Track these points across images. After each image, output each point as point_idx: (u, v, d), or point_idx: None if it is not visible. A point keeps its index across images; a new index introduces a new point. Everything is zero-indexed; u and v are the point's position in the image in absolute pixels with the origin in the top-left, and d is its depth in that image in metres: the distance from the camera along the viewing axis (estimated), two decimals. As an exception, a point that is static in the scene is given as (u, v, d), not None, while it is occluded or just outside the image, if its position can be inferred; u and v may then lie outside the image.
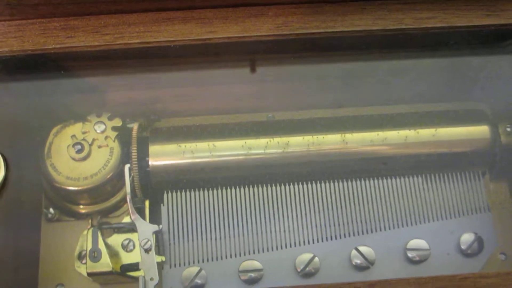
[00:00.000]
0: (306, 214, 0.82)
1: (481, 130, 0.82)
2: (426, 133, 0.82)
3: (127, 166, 0.81)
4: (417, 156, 0.82)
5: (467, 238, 0.80)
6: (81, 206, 0.85)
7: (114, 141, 0.83)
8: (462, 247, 0.80)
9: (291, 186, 0.83)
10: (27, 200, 0.86)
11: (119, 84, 0.89)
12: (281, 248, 0.81)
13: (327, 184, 0.83)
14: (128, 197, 0.80)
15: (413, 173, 0.83)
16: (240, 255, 0.80)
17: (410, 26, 0.77)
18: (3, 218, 0.80)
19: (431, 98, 0.88)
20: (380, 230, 0.81)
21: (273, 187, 0.82)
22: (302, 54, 0.85)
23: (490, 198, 0.85)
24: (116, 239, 0.83)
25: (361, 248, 0.80)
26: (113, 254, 0.81)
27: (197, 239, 0.81)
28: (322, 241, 0.81)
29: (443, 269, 0.79)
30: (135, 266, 0.79)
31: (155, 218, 0.83)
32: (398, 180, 0.83)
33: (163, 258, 0.79)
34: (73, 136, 0.83)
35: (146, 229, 0.79)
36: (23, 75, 0.84)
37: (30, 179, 0.85)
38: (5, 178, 0.73)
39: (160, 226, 0.79)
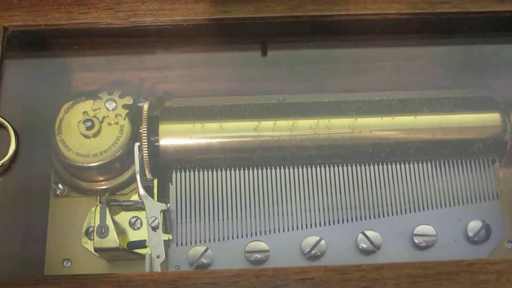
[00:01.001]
0: (314, 197, 0.82)
1: (492, 117, 0.81)
2: (436, 119, 0.81)
3: (136, 144, 0.81)
4: (427, 142, 0.81)
5: (474, 225, 0.80)
6: (90, 183, 0.85)
7: (124, 119, 0.83)
8: (469, 234, 0.80)
9: (300, 168, 0.82)
10: (37, 175, 0.87)
11: (131, 63, 0.90)
12: (288, 230, 0.81)
13: (336, 167, 0.82)
14: (137, 175, 0.80)
15: (422, 159, 0.82)
16: (246, 236, 0.80)
17: (425, 10, 0.77)
18: (12, 192, 0.80)
19: (443, 84, 0.88)
20: (388, 215, 0.81)
21: (282, 169, 0.82)
22: (315, 38, 0.84)
23: (499, 186, 0.85)
24: (124, 217, 0.83)
25: (368, 233, 0.80)
26: (121, 232, 0.82)
27: (204, 219, 0.81)
28: (329, 224, 0.81)
29: (449, 256, 0.78)
30: (142, 244, 0.80)
31: (163, 197, 0.83)
32: (406, 165, 0.83)
33: (170, 237, 0.79)
34: (85, 112, 0.83)
35: (154, 208, 0.79)
36: (36, 50, 0.85)
37: (40, 155, 0.86)
38: (16, 152, 0.73)
39: (168, 205, 0.80)
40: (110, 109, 0.83)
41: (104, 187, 0.85)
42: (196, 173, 0.82)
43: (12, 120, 0.76)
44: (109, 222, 0.80)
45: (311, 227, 0.81)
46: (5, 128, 0.73)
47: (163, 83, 0.91)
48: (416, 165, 0.83)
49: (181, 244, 0.80)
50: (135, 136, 0.83)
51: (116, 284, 0.63)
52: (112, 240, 0.79)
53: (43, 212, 0.86)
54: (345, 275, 0.63)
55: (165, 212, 0.80)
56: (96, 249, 0.80)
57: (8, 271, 0.77)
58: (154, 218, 0.79)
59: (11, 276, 0.66)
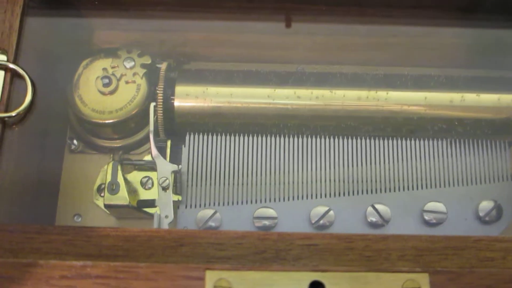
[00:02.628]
0: (325, 167, 0.81)
1: (510, 99, 0.81)
2: (454, 97, 0.80)
3: (152, 104, 0.81)
4: (443, 120, 0.80)
5: (486, 205, 0.79)
6: (104, 140, 0.86)
7: (142, 78, 0.83)
8: (480, 214, 0.79)
9: (313, 138, 0.82)
10: (53, 129, 0.87)
11: (151, 24, 0.89)
12: (298, 199, 0.80)
13: (350, 140, 0.82)
14: (151, 135, 0.81)
15: (437, 136, 0.82)
16: (256, 202, 0.80)
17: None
18: (27, 143, 0.81)
19: (463, 62, 0.87)
20: (399, 190, 0.80)
21: (295, 138, 0.82)
22: (335, 8, 0.84)
23: (514, 168, 0.84)
24: (136, 176, 0.84)
25: (378, 206, 0.79)
26: (132, 190, 0.82)
27: (215, 182, 0.81)
28: (339, 196, 0.80)
29: (458, 234, 0.77)
30: (151, 203, 0.80)
31: (175, 159, 0.83)
32: (421, 141, 0.82)
33: (180, 198, 0.80)
34: (104, 69, 0.83)
35: (165, 168, 0.80)
36: (57, 7, 0.85)
37: (57, 109, 0.87)
38: (32, 102, 0.73)
39: (180, 166, 0.80)
40: (128, 67, 0.83)
41: (118, 145, 0.86)
42: (210, 136, 0.82)
43: (31, 73, 0.76)
44: (120, 179, 0.81)
45: (320, 197, 0.80)
46: (23, 78, 0.73)
47: (183, 46, 0.91)
48: (431, 141, 0.82)
49: (190, 206, 0.81)
50: (151, 96, 0.83)
51: (121, 238, 0.63)
52: (122, 197, 0.80)
53: (57, 166, 0.88)
54: (349, 243, 0.62)
55: (176, 173, 0.80)
56: (106, 206, 0.81)
57: (19, 221, 0.79)
58: (165, 178, 0.79)
59: (19, 223, 0.67)
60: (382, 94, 0.81)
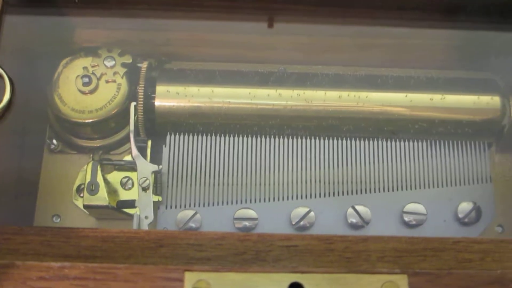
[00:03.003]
0: (306, 168, 0.81)
1: (491, 101, 0.81)
2: (434, 98, 0.81)
3: (133, 104, 0.81)
4: (424, 121, 0.81)
5: (465, 206, 0.79)
6: (84, 140, 0.85)
7: (122, 77, 0.83)
8: (460, 215, 0.79)
9: (294, 139, 0.82)
10: (32, 129, 0.86)
11: (133, 23, 0.89)
12: (278, 200, 0.80)
13: (331, 140, 0.82)
14: (131, 135, 0.80)
15: (418, 138, 0.82)
16: (236, 203, 0.80)
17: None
18: (6, 143, 0.80)
19: (444, 64, 0.87)
20: (379, 191, 0.80)
21: (276, 139, 0.82)
22: (319, 8, 0.83)
23: (494, 170, 0.84)
24: (116, 176, 0.83)
25: (358, 207, 0.79)
26: (112, 191, 0.81)
27: (195, 183, 0.81)
28: (320, 197, 0.80)
29: (438, 235, 0.76)
30: (131, 203, 0.79)
31: (155, 159, 0.82)
32: (402, 143, 0.82)
33: (160, 198, 0.79)
34: (84, 68, 0.83)
35: (145, 168, 0.79)
36: (37, 5, 0.84)
37: (36, 108, 0.86)
38: (10, 101, 0.72)
39: (160, 166, 0.80)
40: (109, 66, 0.83)
41: (97, 145, 0.85)
42: (190, 137, 0.82)
43: (10, 72, 0.75)
44: (100, 180, 0.80)
45: (301, 198, 0.80)
46: (1, 76, 0.72)
47: (165, 46, 0.90)
48: (411, 143, 0.82)
49: (171, 207, 0.80)
50: (131, 95, 0.82)
51: (100, 239, 0.63)
52: (101, 197, 0.79)
53: (36, 166, 0.87)
54: (329, 244, 0.62)
55: (156, 174, 0.80)
56: (85, 206, 0.80)
57: (-4, 221, 0.78)
58: (145, 178, 0.79)
59: (-4, 224, 0.67)
60: (363, 94, 0.81)
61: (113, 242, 0.63)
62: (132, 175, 0.83)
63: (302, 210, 0.79)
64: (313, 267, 0.60)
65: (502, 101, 0.81)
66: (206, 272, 0.59)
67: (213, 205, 0.80)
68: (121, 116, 0.83)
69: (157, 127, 0.82)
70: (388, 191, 0.81)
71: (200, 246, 0.63)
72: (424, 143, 0.82)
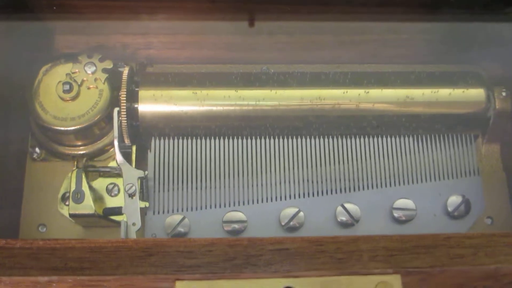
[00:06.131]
0: (293, 168, 0.81)
1: (476, 93, 0.81)
2: (419, 93, 0.80)
3: (116, 110, 0.79)
4: (409, 116, 0.80)
5: (454, 200, 0.79)
6: (68, 147, 0.84)
7: (104, 83, 0.82)
8: (449, 209, 0.79)
9: (280, 139, 0.81)
10: (14, 138, 0.85)
11: (112, 27, 0.87)
12: (267, 201, 0.80)
13: (317, 139, 0.81)
14: (115, 141, 0.79)
15: (404, 133, 0.82)
16: (224, 206, 0.80)
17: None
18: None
19: (428, 58, 0.87)
20: (368, 188, 0.80)
21: (262, 140, 0.81)
22: (299, 7, 0.83)
23: (481, 162, 0.84)
24: (101, 183, 0.82)
25: (347, 205, 0.79)
26: (97, 198, 0.80)
27: (182, 187, 0.80)
28: (308, 196, 0.80)
29: (428, 230, 0.78)
30: (118, 210, 0.78)
31: (141, 164, 0.82)
32: (388, 139, 0.82)
33: (147, 204, 0.78)
34: (67, 74, 0.81)
35: (131, 174, 0.78)
36: (15, 11, 0.83)
37: (17, 117, 0.84)
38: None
39: (146, 172, 0.79)
40: (89, 72, 0.82)
41: (81, 152, 0.84)
42: (175, 140, 0.81)
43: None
44: (85, 187, 0.79)
45: (290, 198, 0.80)
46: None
47: (146, 49, 0.89)
48: (398, 138, 0.82)
49: (158, 212, 0.79)
50: (114, 101, 0.81)
51: (87, 250, 0.62)
52: (87, 206, 0.78)
53: (19, 175, 0.85)
54: (320, 246, 0.62)
55: (142, 180, 0.78)
56: (71, 215, 0.79)
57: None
58: (131, 185, 0.77)
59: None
60: (347, 92, 0.80)
61: (100, 253, 0.62)
62: (118, 181, 0.82)
63: (291, 211, 0.79)
64: (305, 270, 0.59)
65: (486, 93, 0.81)
66: (197, 281, 0.58)
67: (201, 208, 0.80)
68: (104, 122, 0.82)
69: (141, 132, 0.81)
70: (377, 187, 0.80)
71: (190, 253, 0.62)
72: (411, 138, 0.82)
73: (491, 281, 0.59)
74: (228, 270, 0.60)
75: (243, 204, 0.80)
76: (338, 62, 0.88)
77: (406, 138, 0.82)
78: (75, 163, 0.84)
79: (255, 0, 0.81)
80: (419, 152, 0.82)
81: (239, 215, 0.79)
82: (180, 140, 0.81)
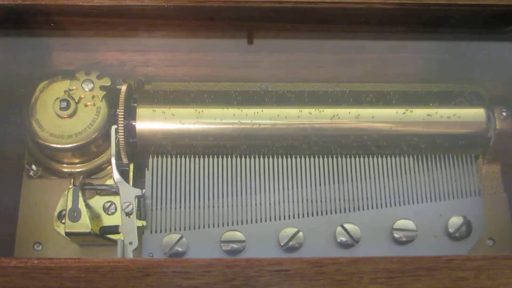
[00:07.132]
0: (293, 188, 0.80)
1: (476, 113, 0.80)
2: (420, 113, 0.80)
3: (113, 127, 0.79)
4: (410, 136, 0.80)
5: (455, 221, 0.79)
6: (64, 165, 0.83)
7: (101, 100, 0.81)
8: (450, 230, 0.78)
9: (280, 159, 0.81)
10: (10, 155, 0.84)
11: (110, 44, 0.87)
12: (266, 221, 0.79)
13: (317, 159, 0.81)
14: (113, 159, 0.78)
15: (404, 153, 0.81)
16: (223, 225, 0.79)
17: (411, 1, 0.75)
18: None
19: (428, 77, 0.87)
20: (368, 208, 0.80)
21: (261, 159, 0.81)
22: (299, 25, 0.82)
23: (482, 182, 0.84)
24: (98, 201, 0.81)
25: (347, 226, 0.78)
26: (94, 216, 0.79)
27: (180, 206, 0.79)
28: (308, 216, 0.79)
29: (429, 251, 0.77)
30: (115, 229, 0.78)
31: (138, 183, 0.81)
32: (389, 159, 0.81)
33: (144, 223, 0.77)
34: (66, 91, 0.81)
35: (128, 193, 0.77)
36: (12, 27, 0.82)
37: (14, 134, 0.84)
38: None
39: (143, 190, 0.78)
40: (87, 89, 0.81)
41: (78, 170, 0.83)
42: (173, 159, 0.81)
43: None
44: (81, 206, 0.78)
45: (289, 218, 0.79)
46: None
47: (144, 67, 0.89)
48: (398, 158, 0.82)
49: (156, 231, 0.79)
50: (112, 119, 0.81)
51: (83, 269, 0.61)
52: (84, 224, 0.77)
53: (15, 193, 0.84)
54: (320, 267, 0.61)
55: (140, 198, 0.78)
56: (67, 233, 0.78)
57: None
58: (128, 203, 0.77)
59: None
60: (348, 111, 0.80)
61: (96, 272, 0.61)
62: (115, 199, 0.81)
63: (291, 231, 0.78)
64: (304, 292, 0.59)
65: (487, 113, 0.80)
66: (195, 303, 0.57)
67: (199, 228, 0.79)
68: (102, 140, 0.81)
69: (139, 150, 0.80)
70: (377, 208, 0.80)
71: (188, 273, 0.61)
72: (411, 158, 0.82)
73: (494, 305, 0.59)
74: (226, 292, 0.59)
75: (242, 223, 0.79)
76: (337, 80, 0.88)
77: (407, 158, 0.81)
78: (72, 180, 0.83)
79: (254, 18, 0.81)
80: (419, 172, 0.81)
81: (238, 235, 0.78)
82: (178, 158, 0.81)
